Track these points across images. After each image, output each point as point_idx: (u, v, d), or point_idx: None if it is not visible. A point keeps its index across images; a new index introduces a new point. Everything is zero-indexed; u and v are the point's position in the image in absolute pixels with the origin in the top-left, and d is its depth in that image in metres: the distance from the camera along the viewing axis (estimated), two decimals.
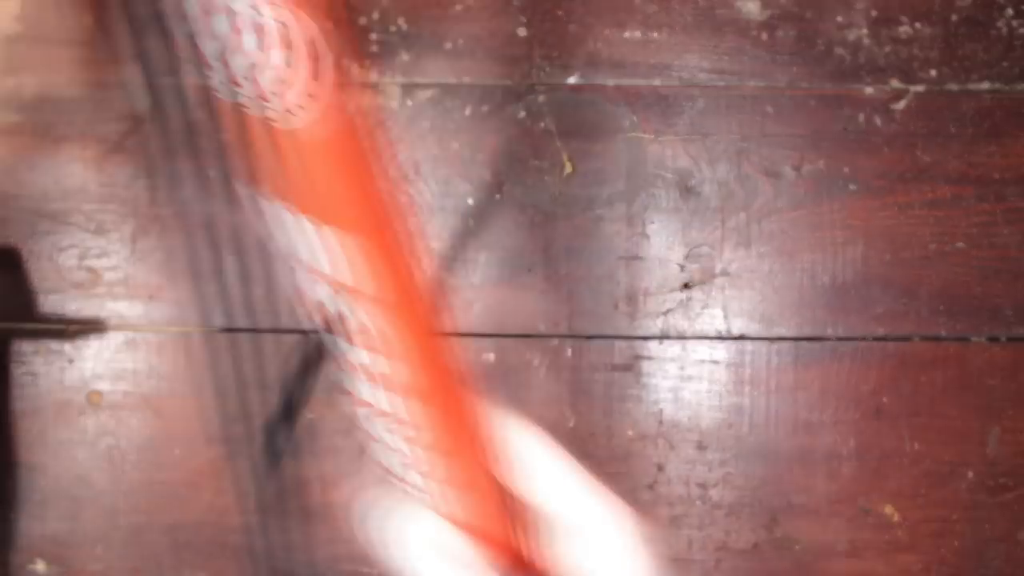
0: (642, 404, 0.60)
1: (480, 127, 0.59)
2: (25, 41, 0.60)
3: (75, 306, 0.61)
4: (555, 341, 0.59)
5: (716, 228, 0.58)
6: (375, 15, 0.59)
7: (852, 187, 0.58)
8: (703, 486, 0.60)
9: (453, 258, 0.60)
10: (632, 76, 0.58)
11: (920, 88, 0.58)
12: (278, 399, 0.45)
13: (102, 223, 0.60)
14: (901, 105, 0.58)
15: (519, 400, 0.60)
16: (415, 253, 0.28)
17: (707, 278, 0.59)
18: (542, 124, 0.58)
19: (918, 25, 0.58)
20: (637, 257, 0.59)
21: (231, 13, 0.22)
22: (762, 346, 0.59)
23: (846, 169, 0.58)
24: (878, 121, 0.58)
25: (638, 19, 0.58)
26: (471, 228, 0.60)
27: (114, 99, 0.60)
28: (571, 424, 0.60)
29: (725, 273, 0.59)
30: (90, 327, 0.61)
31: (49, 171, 0.60)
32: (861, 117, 0.58)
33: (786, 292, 0.59)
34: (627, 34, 0.58)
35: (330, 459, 0.60)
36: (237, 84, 0.23)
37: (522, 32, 0.58)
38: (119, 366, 0.61)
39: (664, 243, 0.59)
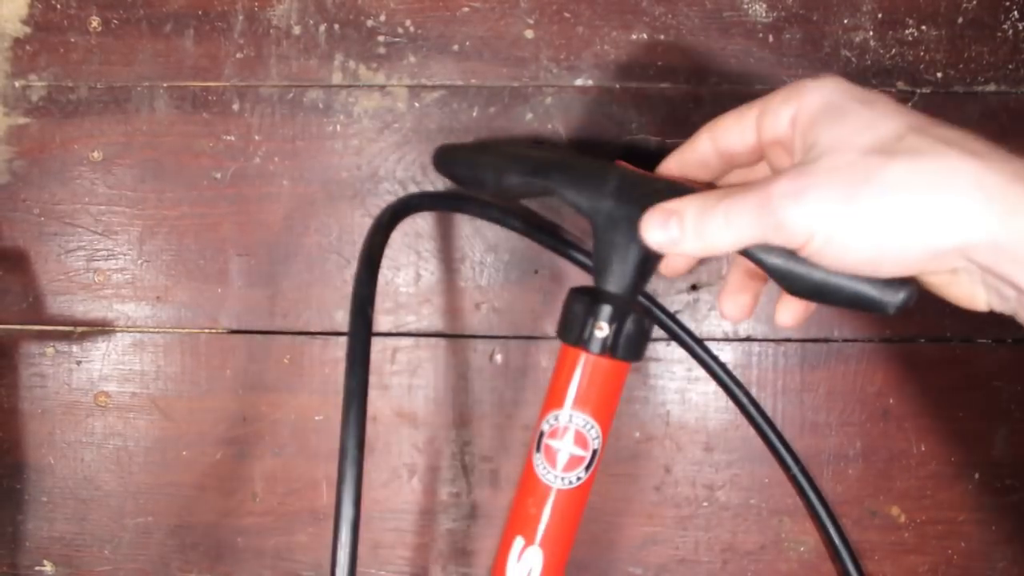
0: (649, 405, 0.60)
1: (487, 129, 0.59)
2: (32, 43, 0.60)
3: (82, 308, 0.61)
4: None
5: None
6: (382, 17, 0.59)
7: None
8: (710, 487, 0.60)
9: (460, 260, 0.60)
10: (639, 78, 0.58)
11: (926, 90, 0.58)
12: None
13: (109, 225, 0.60)
14: (907, 107, 0.58)
15: (527, 402, 0.60)
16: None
17: (714, 279, 0.59)
18: (549, 126, 0.58)
19: (924, 27, 0.58)
20: None
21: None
22: (768, 347, 0.59)
23: None
24: None
25: (645, 21, 0.58)
26: (477, 229, 0.60)
27: (122, 101, 0.60)
28: None
29: None
30: (97, 329, 0.61)
31: (56, 173, 0.60)
32: None
33: None
34: (634, 36, 0.58)
35: (334, 460, 0.60)
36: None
37: (529, 34, 0.58)
38: (126, 367, 0.61)
39: None
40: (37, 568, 0.62)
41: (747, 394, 0.56)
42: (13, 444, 0.62)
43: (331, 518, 0.61)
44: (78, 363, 0.61)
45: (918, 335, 0.59)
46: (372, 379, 0.60)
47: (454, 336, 0.60)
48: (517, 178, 0.43)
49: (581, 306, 0.41)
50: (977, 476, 0.59)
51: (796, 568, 0.60)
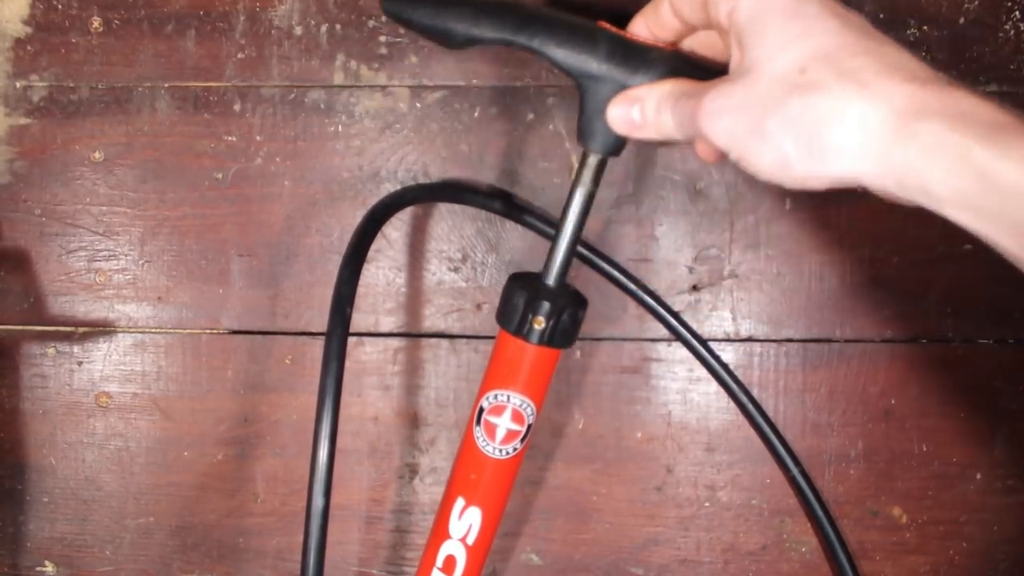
0: (651, 406, 0.60)
1: (489, 129, 0.59)
2: (33, 43, 0.60)
3: (84, 308, 0.61)
4: None
5: (724, 230, 0.58)
6: (383, 17, 0.59)
7: (860, 189, 0.58)
8: (711, 488, 0.60)
9: (461, 260, 0.60)
10: None
11: None
12: None
13: (111, 225, 0.60)
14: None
15: None
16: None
17: (715, 280, 0.59)
18: (551, 126, 0.58)
19: (926, 28, 0.58)
20: (646, 259, 0.59)
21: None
22: (770, 348, 0.59)
23: None
24: None
25: None
26: (479, 230, 0.60)
27: (124, 102, 0.60)
28: (580, 426, 0.60)
29: (733, 275, 0.59)
30: (99, 329, 0.61)
31: (58, 173, 0.60)
32: None
33: (794, 294, 0.59)
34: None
35: (337, 460, 0.60)
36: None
37: None
38: (128, 368, 0.61)
39: (673, 245, 0.59)
40: (38, 568, 0.62)
41: (748, 395, 0.56)
42: (14, 445, 0.62)
43: (331, 518, 0.61)
44: (79, 364, 0.61)
45: (920, 336, 0.59)
46: (373, 380, 0.61)
47: (455, 336, 0.60)
48: (493, 32, 0.42)
49: (522, 301, 0.45)
50: (979, 476, 0.59)
51: (798, 568, 0.60)
